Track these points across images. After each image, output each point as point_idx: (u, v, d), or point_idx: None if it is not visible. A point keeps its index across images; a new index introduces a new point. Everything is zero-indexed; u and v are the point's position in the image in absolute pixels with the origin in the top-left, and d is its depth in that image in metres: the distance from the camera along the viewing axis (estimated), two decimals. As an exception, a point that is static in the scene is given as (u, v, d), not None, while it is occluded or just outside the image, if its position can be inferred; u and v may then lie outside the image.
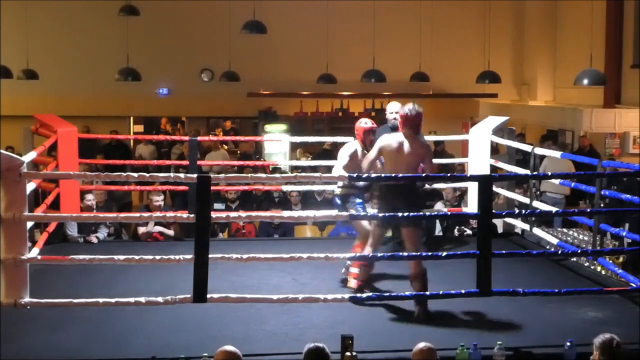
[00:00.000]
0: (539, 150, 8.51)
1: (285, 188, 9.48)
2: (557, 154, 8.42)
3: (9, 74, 13.77)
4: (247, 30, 12.37)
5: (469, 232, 8.90)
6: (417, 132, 6.16)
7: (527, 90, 18.14)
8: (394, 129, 7.17)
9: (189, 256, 5.24)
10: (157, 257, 5.42)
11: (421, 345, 4.24)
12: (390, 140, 6.19)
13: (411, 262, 6.05)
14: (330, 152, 14.56)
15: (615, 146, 14.72)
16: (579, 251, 7.38)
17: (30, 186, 6.77)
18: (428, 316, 5.85)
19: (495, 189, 8.42)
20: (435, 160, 8.06)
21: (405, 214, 5.67)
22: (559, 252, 7.38)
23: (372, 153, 6.28)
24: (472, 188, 8.76)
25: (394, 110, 7.21)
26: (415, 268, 6.04)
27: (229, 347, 4.08)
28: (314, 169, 12.25)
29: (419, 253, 6.01)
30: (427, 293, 5.92)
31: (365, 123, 6.77)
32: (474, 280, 5.42)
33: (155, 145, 15.71)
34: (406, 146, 6.09)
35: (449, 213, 8.95)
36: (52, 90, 16.20)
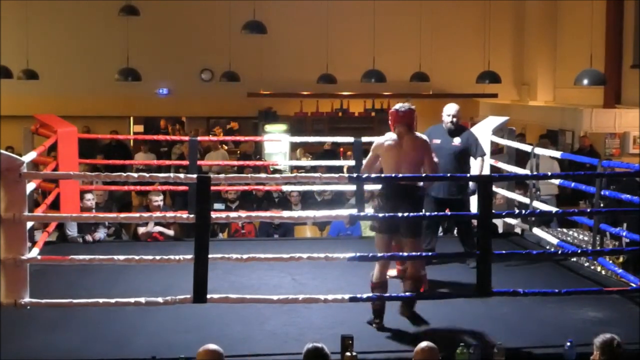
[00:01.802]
0: (539, 150, 8.51)
1: (285, 188, 9.47)
2: (557, 153, 8.43)
3: (9, 74, 13.76)
4: (247, 30, 12.37)
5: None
6: (410, 129, 5.83)
7: (527, 91, 18.13)
8: (450, 131, 7.24)
9: (189, 256, 5.24)
10: (157, 257, 5.42)
11: (423, 344, 4.24)
12: (384, 139, 5.93)
13: (410, 264, 5.92)
14: (331, 152, 14.60)
15: (615, 146, 14.71)
16: (579, 251, 7.38)
17: (30, 186, 6.77)
18: (414, 317, 5.76)
19: (495, 189, 8.42)
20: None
21: (406, 220, 5.56)
22: (559, 252, 7.38)
23: (369, 155, 6.04)
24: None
25: (451, 112, 7.22)
26: (413, 269, 5.89)
27: (212, 346, 4.08)
28: (314, 169, 12.26)
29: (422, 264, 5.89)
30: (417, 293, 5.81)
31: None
32: (474, 280, 5.41)
33: (155, 152, 15.13)
34: (404, 143, 5.80)
35: (449, 213, 8.94)
36: (52, 90, 16.18)
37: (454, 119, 7.34)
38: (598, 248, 7.12)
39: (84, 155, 9.03)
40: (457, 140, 7.27)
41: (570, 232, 8.51)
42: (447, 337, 5.17)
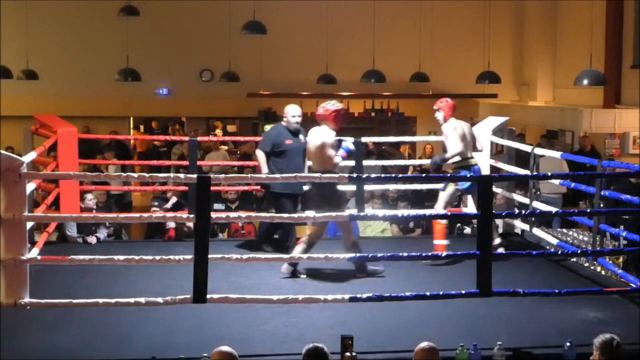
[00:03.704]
0: (539, 151, 8.51)
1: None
2: (556, 154, 8.43)
3: (9, 74, 13.75)
4: (247, 30, 12.39)
5: (467, 230, 8.90)
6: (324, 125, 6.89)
7: (527, 91, 18.13)
8: (295, 131, 7.77)
9: (189, 256, 5.24)
10: (157, 257, 5.42)
11: (423, 344, 4.24)
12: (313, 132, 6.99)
13: (345, 238, 6.73)
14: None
15: (615, 146, 14.71)
16: (579, 251, 7.38)
17: (30, 186, 6.77)
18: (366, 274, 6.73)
19: (495, 189, 8.42)
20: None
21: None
22: (559, 252, 7.38)
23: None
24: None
25: (297, 113, 7.82)
26: (350, 241, 6.73)
27: (225, 348, 4.08)
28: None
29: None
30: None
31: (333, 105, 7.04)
32: (474, 280, 5.42)
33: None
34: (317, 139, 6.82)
35: (449, 213, 8.94)
36: (52, 90, 16.18)
37: (299, 119, 7.83)
38: (598, 248, 7.12)
39: (83, 155, 9.03)
40: (303, 138, 7.73)
41: (570, 233, 8.51)
42: (447, 337, 5.16)
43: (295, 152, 7.67)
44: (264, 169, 7.59)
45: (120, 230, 9.22)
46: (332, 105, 6.96)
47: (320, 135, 6.88)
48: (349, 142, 6.96)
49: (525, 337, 5.43)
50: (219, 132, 18.10)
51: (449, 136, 7.38)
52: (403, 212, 8.91)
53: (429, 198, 10.20)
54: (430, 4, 16.33)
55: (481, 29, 16.31)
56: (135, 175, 5.47)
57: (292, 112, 7.78)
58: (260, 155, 7.66)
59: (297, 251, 6.69)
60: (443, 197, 7.50)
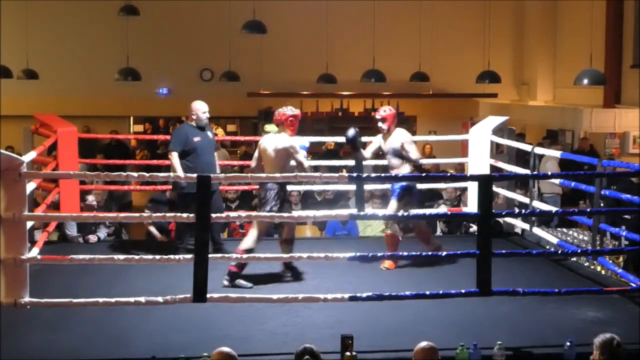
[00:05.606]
0: (539, 150, 8.51)
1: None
2: (556, 153, 8.43)
3: (9, 74, 13.75)
4: (247, 30, 12.40)
5: (474, 227, 8.89)
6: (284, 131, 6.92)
7: (527, 90, 18.14)
8: (203, 128, 7.71)
9: (189, 256, 5.24)
10: (157, 257, 5.42)
11: (423, 344, 4.24)
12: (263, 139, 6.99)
13: (286, 228, 6.78)
14: (334, 152, 14.58)
15: (615, 146, 14.71)
16: (579, 251, 7.38)
17: (30, 186, 6.77)
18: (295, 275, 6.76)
19: (495, 189, 8.42)
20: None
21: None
22: (559, 252, 7.38)
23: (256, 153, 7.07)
24: (472, 188, 8.76)
25: (207, 109, 7.81)
26: (288, 234, 6.80)
27: (225, 349, 4.08)
28: (314, 169, 12.24)
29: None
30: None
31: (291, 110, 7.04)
32: (474, 280, 5.41)
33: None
34: (276, 145, 6.82)
35: (449, 213, 8.95)
36: (52, 90, 16.18)
37: (208, 114, 7.84)
38: (598, 248, 7.12)
39: (84, 155, 9.02)
40: (211, 135, 7.78)
41: (570, 232, 8.51)
42: (447, 337, 5.17)
43: (205, 149, 7.56)
44: (178, 170, 7.35)
45: (120, 229, 9.23)
46: (290, 110, 6.94)
47: (280, 141, 6.87)
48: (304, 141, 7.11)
49: (525, 336, 5.43)
50: (220, 131, 18.10)
51: (408, 144, 7.34)
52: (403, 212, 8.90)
53: (429, 198, 10.21)
54: (430, 4, 16.32)
55: (481, 29, 16.31)
56: (135, 174, 5.47)
57: (203, 109, 7.79)
58: (173, 156, 7.46)
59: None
60: (395, 205, 7.30)
